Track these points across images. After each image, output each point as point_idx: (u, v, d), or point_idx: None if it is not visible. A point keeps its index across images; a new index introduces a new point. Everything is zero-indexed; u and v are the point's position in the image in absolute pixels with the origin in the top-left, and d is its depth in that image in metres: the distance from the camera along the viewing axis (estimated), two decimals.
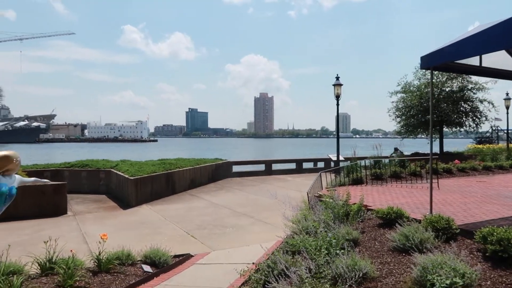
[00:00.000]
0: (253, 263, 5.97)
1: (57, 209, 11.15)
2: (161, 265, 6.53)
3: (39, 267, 5.49)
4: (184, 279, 6.07)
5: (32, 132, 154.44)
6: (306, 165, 23.52)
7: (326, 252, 4.73)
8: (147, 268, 6.28)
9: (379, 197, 9.27)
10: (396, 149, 19.34)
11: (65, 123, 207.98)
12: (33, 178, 5.79)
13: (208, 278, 6.06)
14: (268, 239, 7.70)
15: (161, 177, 14.21)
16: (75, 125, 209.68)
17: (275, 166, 22.61)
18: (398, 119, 25.11)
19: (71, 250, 5.62)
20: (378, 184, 11.62)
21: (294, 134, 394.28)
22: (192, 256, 7.39)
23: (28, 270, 5.44)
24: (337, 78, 17.76)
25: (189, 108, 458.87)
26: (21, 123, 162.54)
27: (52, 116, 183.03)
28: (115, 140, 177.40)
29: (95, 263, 5.86)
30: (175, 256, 7.09)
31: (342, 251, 4.77)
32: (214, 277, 6.06)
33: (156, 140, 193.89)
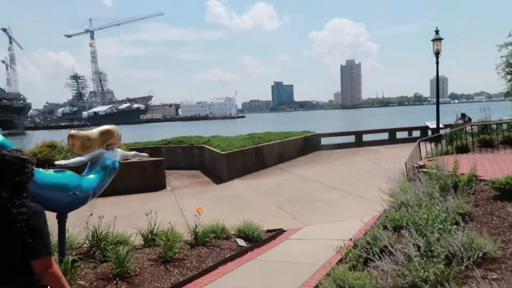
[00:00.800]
0: (350, 239, 5.67)
1: (157, 184, 11.90)
2: (254, 239, 6.54)
3: (142, 238, 5.83)
4: (278, 255, 5.99)
5: (133, 114, 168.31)
6: (399, 135, 22.03)
7: (440, 227, 4.20)
8: (241, 242, 6.33)
9: (491, 166, 8.17)
10: (463, 115, 17.05)
11: (161, 103, 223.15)
12: (133, 152, 6.11)
13: (302, 253, 5.90)
14: (363, 214, 7.26)
15: (251, 151, 14.36)
16: (170, 105, 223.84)
17: (365, 137, 21.55)
18: (509, 77, 21.78)
19: (170, 223, 5.85)
20: (487, 152, 10.31)
21: (384, 103, 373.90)
22: (284, 231, 7.29)
23: (132, 241, 5.82)
24: (437, 31, 16.03)
25: (274, 82, 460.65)
26: (124, 106, 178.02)
27: (149, 98, 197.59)
28: (206, 117, 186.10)
29: (192, 236, 6.05)
30: (268, 231, 7.06)
31: (455, 226, 4.19)
32: (309, 253, 5.87)
33: (244, 116, 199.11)
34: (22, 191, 2.30)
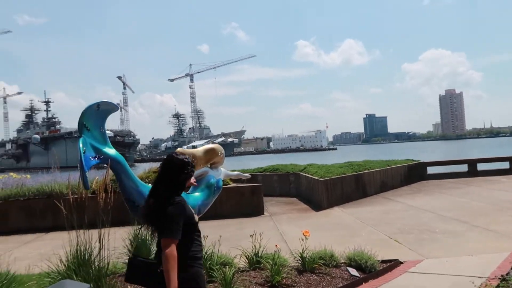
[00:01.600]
0: (494, 277, 4.66)
1: (254, 210, 11.70)
2: (368, 269, 5.79)
3: (246, 260, 5.50)
4: None
5: (228, 147, 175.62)
6: None
7: None
8: (353, 271, 5.64)
9: None
10: None
11: (253, 137, 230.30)
12: (236, 172, 5.92)
13: None
14: (497, 249, 6.10)
15: (350, 179, 13.54)
16: (262, 139, 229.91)
17: (480, 166, 19.12)
18: None
19: (276, 245, 5.45)
20: None
21: (494, 132, 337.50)
22: (401, 262, 6.39)
23: (237, 263, 5.52)
24: None
25: (366, 114, 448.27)
26: (219, 140, 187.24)
27: (242, 132, 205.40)
28: (297, 150, 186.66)
29: (299, 261, 5.55)
30: (382, 261, 6.24)
31: None
32: None
33: (335, 148, 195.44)
34: (179, 187, 2.80)
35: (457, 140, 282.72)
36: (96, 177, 4.31)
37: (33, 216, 10.85)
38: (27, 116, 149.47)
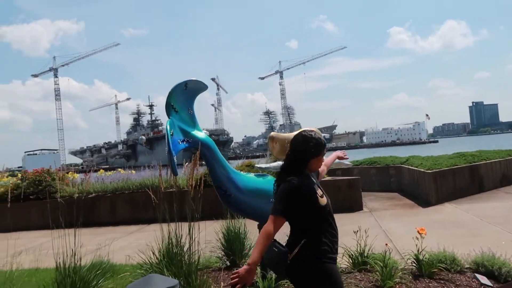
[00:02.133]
0: None
1: (352, 205, 10.86)
2: (503, 278, 4.72)
3: (350, 260, 4.86)
4: None
5: None
6: None
7: None
8: (484, 279, 4.63)
9: None
10: None
11: (345, 132, 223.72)
12: (336, 160, 5.24)
13: None
14: None
15: (463, 171, 11.88)
16: (354, 133, 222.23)
17: None
18: None
19: (386, 244, 4.70)
20: None
21: None
22: None
23: (338, 262, 4.90)
24: None
25: (472, 102, 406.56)
26: None
27: (333, 127, 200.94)
28: (393, 144, 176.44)
29: (414, 264, 4.73)
30: None
31: None
32: None
33: (436, 141, 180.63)
34: (299, 166, 2.51)
35: None
36: (185, 164, 4.02)
37: (137, 208, 11.46)
38: (135, 119, 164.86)
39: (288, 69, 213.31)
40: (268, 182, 4.03)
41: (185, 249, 3.56)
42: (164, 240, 3.78)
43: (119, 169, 16.22)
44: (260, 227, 4.16)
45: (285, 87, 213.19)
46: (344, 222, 9.32)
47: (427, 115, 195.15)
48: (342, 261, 4.90)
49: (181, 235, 3.62)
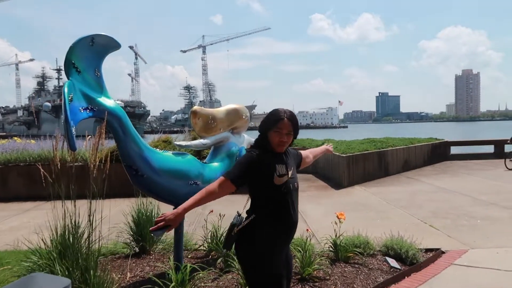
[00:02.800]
0: None
1: None
2: (409, 261, 4.94)
3: None
4: (450, 286, 4.32)
5: None
6: None
7: None
8: (393, 262, 4.79)
9: None
10: None
11: (264, 112, 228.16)
12: None
13: None
14: None
15: (373, 156, 12.58)
16: None
17: (508, 148, 17.97)
18: None
19: (307, 230, 4.59)
20: None
21: (508, 116, 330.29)
22: (443, 252, 5.54)
23: None
24: None
25: (379, 93, 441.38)
26: None
27: (253, 107, 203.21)
28: (307, 127, 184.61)
29: (331, 249, 4.71)
30: (424, 251, 5.38)
31: None
32: None
33: (346, 126, 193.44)
34: (260, 141, 2.53)
35: (470, 122, 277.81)
36: (87, 137, 3.36)
37: (34, 183, 10.15)
38: (39, 83, 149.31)
39: (211, 44, 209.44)
40: (188, 162, 3.60)
41: (84, 237, 2.99)
42: (59, 225, 3.16)
43: (15, 138, 14.32)
44: None
45: (207, 62, 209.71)
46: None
47: (340, 101, 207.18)
48: None
49: (79, 221, 3.02)
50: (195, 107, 3.81)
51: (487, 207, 8.17)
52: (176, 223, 2.22)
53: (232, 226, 2.41)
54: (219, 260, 4.12)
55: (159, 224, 2.18)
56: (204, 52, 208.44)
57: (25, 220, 7.81)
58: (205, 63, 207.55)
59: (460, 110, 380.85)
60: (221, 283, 3.74)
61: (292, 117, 2.47)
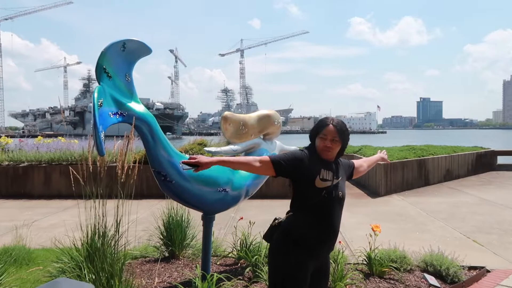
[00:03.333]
0: None
1: None
2: (450, 279, 4.63)
3: None
4: None
5: None
6: None
7: None
8: (432, 280, 4.50)
9: None
10: None
11: (300, 116, 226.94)
12: (293, 147, 4.87)
13: None
14: None
15: (412, 164, 12.08)
16: (309, 118, 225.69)
17: None
18: None
19: (340, 242, 4.41)
20: None
21: None
22: (488, 271, 5.16)
23: None
24: None
25: (420, 98, 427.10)
26: None
27: (289, 110, 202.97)
28: None
29: (365, 262, 4.50)
30: (466, 268, 5.04)
31: None
32: None
33: (385, 132, 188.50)
34: (312, 142, 2.56)
35: None
36: (116, 142, 3.38)
37: (75, 181, 10.54)
38: (85, 85, 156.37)
39: (249, 48, 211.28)
40: (217, 169, 3.54)
41: (113, 241, 3.00)
42: (89, 227, 3.18)
43: (60, 138, 14.97)
44: (204, 218, 3.69)
45: (245, 66, 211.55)
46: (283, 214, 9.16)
47: (378, 106, 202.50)
48: None
49: (107, 224, 3.02)
50: (226, 113, 3.75)
51: None
52: (206, 166, 2.26)
53: (274, 219, 2.52)
54: (247, 269, 4.03)
55: (191, 160, 2.24)
56: (242, 55, 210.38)
57: (63, 218, 8.08)
58: (242, 67, 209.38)
59: (509, 117, 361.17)
60: None
61: (338, 124, 2.48)
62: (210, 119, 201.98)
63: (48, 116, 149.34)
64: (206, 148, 3.66)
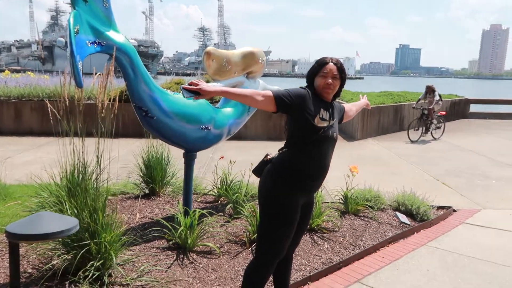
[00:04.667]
0: None
1: (282, 133, 10.81)
2: (420, 217, 4.88)
3: None
4: (459, 244, 4.27)
5: None
6: None
7: None
8: (403, 218, 4.74)
9: None
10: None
11: (279, 59, 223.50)
12: (276, 87, 4.79)
13: (501, 250, 4.10)
14: None
15: (389, 110, 12.27)
16: (287, 61, 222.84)
17: None
18: None
19: None
20: None
21: None
22: (454, 210, 5.48)
23: None
24: None
25: (399, 45, 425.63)
26: None
27: (268, 52, 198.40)
28: None
29: (341, 201, 4.67)
30: (435, 208, 5.32)
31: None
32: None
33: (362, 78, 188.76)
34: (308, 81, 2.52)
35: (492, 79, 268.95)
36: (95, 75, 3.19)
37: (47, 119, 10.21)
38: (52, 17, 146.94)
39: None
40: (200, 106, 3.45)
41: (93, 176, 2.94)
42: (68, 163, 3.10)
43: (29, 72, 14.24)
44: (186, 155, 3.66)
45: (223, 3, 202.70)
46: (272, 151, 9.30)
47: (357, 52, 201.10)
48: None
49: (87, 160, 2.94)
50: (209, 48, 3.58)
51: (503, 168, 7.98)
52: (207, 95, 2.20)
53: (266, 155, 2.51)
54: (228, 206, 4.11)
55: (192, 87, 2.15)
56: None
57: (38, 155, 7.91)
58: (221, 4, 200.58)
59: (483, 67, 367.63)
60: (229, 228, 3.74)
61: (338, 62, 2.45)
62: (186, 59, 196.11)
63: (14, 50, 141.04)
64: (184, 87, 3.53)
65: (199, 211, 3.36)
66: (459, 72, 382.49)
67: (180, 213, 3.25)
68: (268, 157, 2.49)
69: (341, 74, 2.43)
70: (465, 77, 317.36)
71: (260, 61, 3.98)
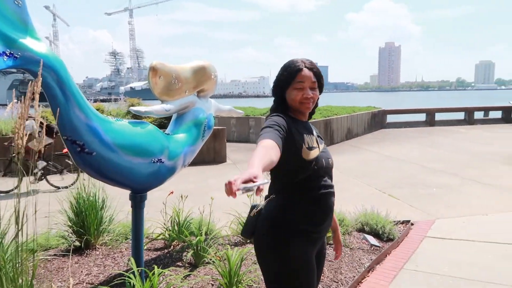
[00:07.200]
0: None
1: (216, 156, 10.22)
2: (386, 236, 4.62)
3: (235, 226, 4.03)
4: (434, 263, 4.05)
5: None
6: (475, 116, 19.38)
7: None
8: (372, 240, 4.43)
9: None
10: None
11: None
12: (228, 106, 4.22)
13: (473, 265, 3.95)
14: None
15: (320, 124, 12.34)
16: None
17: (438, 116, 19.04)
18: None
19: None
20: None
21: (424, 87, 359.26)
22: (412, 224, 5.35)
23: (219, 230, 4.05)
24: None
25: None
26: None
27: None
28: (239, 96, 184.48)
29: None
30: (395, 223, 5.11)
31: None
32: (482, 264, 3.93)
33: None
34: (278, 102, 1.99)
35: (391, 92, 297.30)
36: (11, 103, 2.35)
37: None
38: None
39: (139, 7, 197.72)
40: (149, 134, 2.75)
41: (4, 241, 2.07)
42: None
43: None
44: (133, 197, 2.91)
45: (135, 27, 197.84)
46: (209, 175, 8.66)
47: (271, 71, 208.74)
48: (223, 228, 4.05)
49: None
50: (155, 62, 2.91)
51: (437, 175, 8.28)
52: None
53: (252, 207, 1.87)
54: (189, 254, 3.35)
55: (249, 185, 1.22)
56: (131, 15, 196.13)
57: None
58: (132, 28, 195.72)
59: (382, 81, 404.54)
60: (194, 283, 3.02)
61: (312, 65, 1.87)
62: (98, 84, 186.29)
63: None
64: (133, 108, 2.81)
65: (159, 271, 2.59)
66: (362, 86, 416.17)
67: (136, 274, 2.47)
68: (255, 210, 1.85)
69: (320, 81, 1.89)
70: (368, 91, 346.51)
71: (213, 76, 3.41)
